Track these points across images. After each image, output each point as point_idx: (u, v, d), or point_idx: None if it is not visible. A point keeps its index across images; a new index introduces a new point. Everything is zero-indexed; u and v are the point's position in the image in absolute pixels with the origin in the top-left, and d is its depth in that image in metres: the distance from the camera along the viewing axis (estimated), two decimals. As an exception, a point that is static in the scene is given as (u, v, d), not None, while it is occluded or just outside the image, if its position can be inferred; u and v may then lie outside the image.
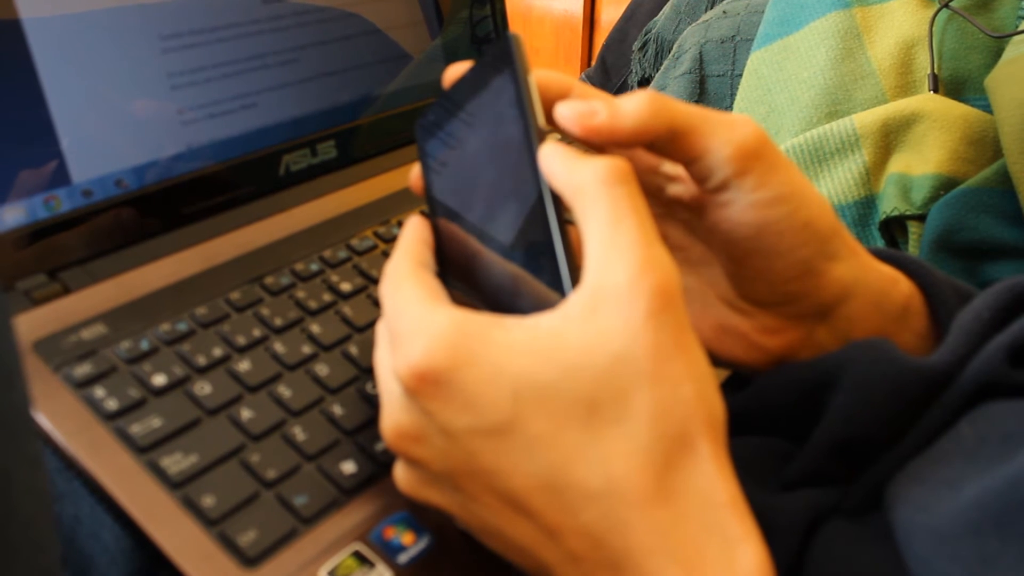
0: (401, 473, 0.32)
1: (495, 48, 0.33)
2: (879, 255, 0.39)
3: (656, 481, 0.27)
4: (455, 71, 0.36)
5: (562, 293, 0.29)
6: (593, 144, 0.34)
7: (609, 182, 0.29)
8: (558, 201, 0.30)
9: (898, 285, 0.38)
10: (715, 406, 0.28)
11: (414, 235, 0.35)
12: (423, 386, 0.28)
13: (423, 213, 0.36)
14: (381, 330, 0.33)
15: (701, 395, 0.28)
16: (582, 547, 0.28)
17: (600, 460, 0.27)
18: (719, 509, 0.28)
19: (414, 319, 0.30)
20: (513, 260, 0.31)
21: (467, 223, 0.34)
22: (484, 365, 0.28)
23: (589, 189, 0.29)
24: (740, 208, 0.34)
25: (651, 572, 0.27)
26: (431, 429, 0.29)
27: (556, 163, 0.30)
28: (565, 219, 0.30)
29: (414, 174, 0.37)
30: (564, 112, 0.33)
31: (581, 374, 0.27)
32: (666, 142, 0.34)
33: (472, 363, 0.28)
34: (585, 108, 0.32)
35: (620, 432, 0.27)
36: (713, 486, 0.28)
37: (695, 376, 0.28)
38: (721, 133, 0.33)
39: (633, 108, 0.32)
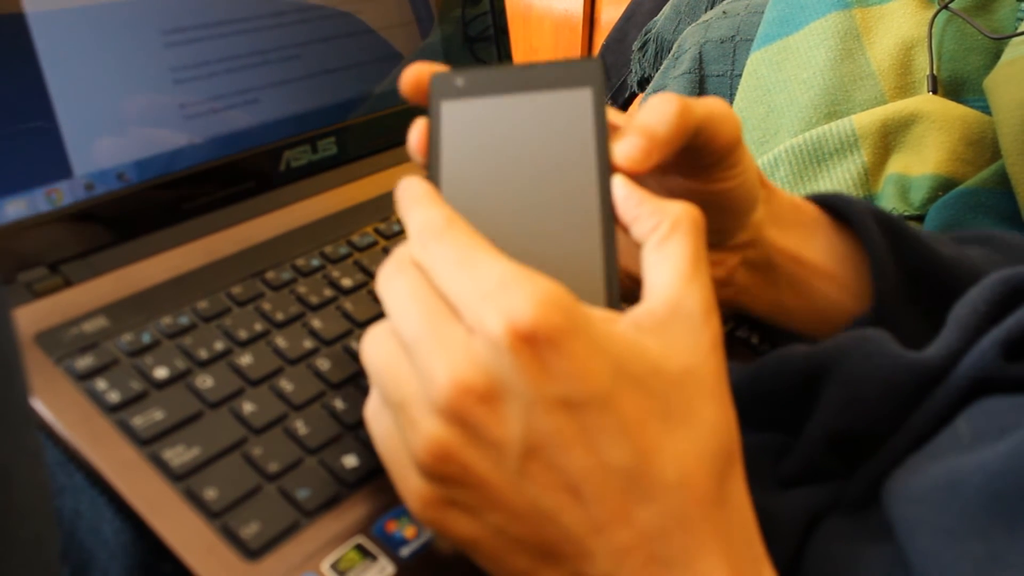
0: (437, 432, 0.28)
1: (575, 64, 0.34)
2: (815, 200, 0.45)
3: (716, 487, 0.29)
4: (418, 72, 0.35)
5: (602, 303, 0.31)
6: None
7: (698, 225, 0.31)
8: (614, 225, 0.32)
9: (803, 207, 0.45)
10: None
11: (431, 190, 0.32)
12: (527, 344, 0.27)
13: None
14: (402, 274, 0.30)
15: (736, 422, 0.30)
16: (632, 541, 0.27)
17: (676, 455, 0.28)
18: (751, 526, 0.30)
19: (510, 274, 0.28)
20: (535, 261, 0.31)
21: (478, 206, 0.32)
22: (590, 338, 0.28)
23: (683, 225, 0.31)
24: (723, 176, 0.39)
25: (704, 572, 0.27)
26: (514, 391, 0.27)
27: (638, 195, 0.32)
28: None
29: (419, 131, 0.34)
30: (625, 151, 0.34)
31: (660, 374, 0.28)
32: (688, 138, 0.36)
33: (581, 332, 0.27)
34: (643, 145, 0.34)
35: (690, 435, 0.28)
36: (745, 504, 0.30)
37: (732, 405, 0.30)
38: (722, 117, 0.37)
39: (671, 123, 0.34)
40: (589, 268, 0.31)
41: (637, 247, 0.32)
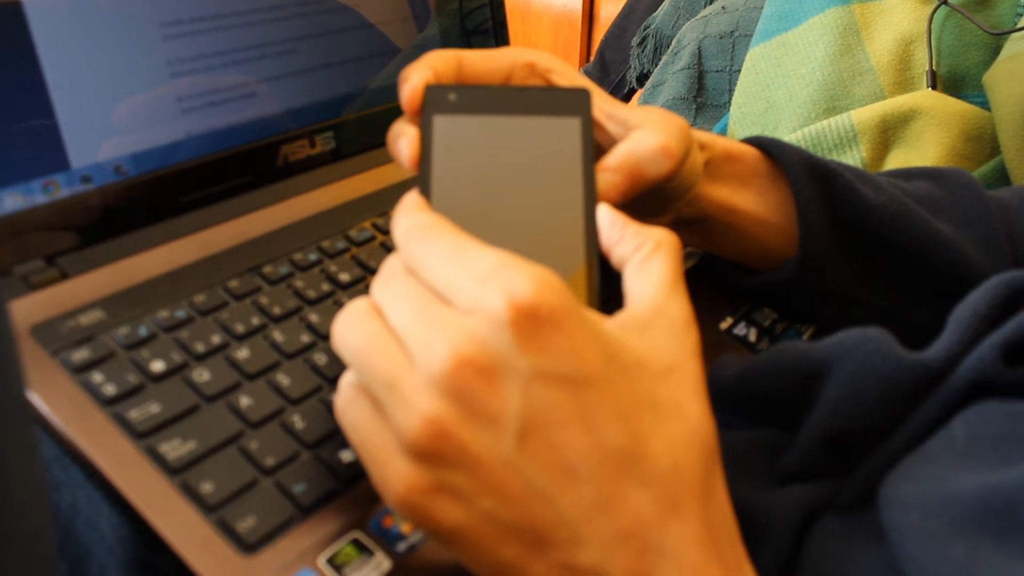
0: (433, 408, 0.27)
1: (564, 92, 0.36)
2: (754, 143, 0.48)
3: (706, 480, 0.29)
4: (417, 88, 0.36)
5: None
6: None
7: (678, 249, 0.33)
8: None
9: (741, 157, 0.46)
10: None
11: (419, 199, 0.33)
12: (529, 319, 0.27)
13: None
14: (393, 267, 0.31)
15: (716, 427, 0.30)
16: (626, 528, 0.27)
17: (668, 443, 0.28)
18: (733, 525, 0.30)
19: (504, 259, 0.29)
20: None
21: (465, 219, 0.33)
22: (584, 322, 0.28)
23: (665, 246, 0.32)
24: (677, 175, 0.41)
25: (695, 564, 0.27)
26: (513, 366, 0.27)
27: (622, 220, 0.33)
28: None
29: (412, 142, 0.35)
30: (609, 184, 0.38)
31: (646, 369, 0.29)
32: None
33: (577, 314, 0.28)
34: (626, 186, 0.38)
35: (680, 426, 0.29)
36: (728, 503, 0.30)
37: (711, 410, 0.31)
38: (655, 156, 0.40)
39: (659, 169, 0.39)
40: (572, 287, 0.32)
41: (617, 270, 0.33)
